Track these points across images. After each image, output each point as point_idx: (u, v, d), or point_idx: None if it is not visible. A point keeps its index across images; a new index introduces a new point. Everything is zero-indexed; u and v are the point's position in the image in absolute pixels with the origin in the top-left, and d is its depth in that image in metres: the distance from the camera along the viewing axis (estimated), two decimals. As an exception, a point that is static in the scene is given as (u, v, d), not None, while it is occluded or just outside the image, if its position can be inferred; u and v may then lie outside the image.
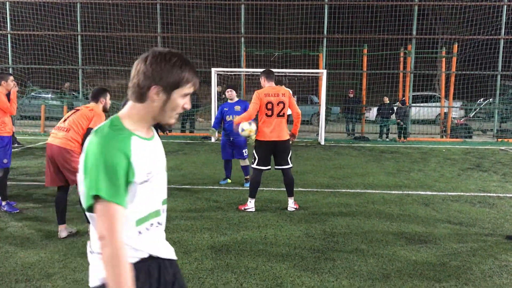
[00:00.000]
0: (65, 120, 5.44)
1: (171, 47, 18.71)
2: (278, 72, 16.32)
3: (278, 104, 6.42)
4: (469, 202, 7.41)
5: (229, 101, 8.42)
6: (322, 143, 15.07)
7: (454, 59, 17.12)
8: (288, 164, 6.61)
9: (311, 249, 5.06)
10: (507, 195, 7.99)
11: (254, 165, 6.54)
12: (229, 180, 8.62)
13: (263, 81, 6.66)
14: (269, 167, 6.65)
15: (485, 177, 9.57)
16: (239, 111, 8.05)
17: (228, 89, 8.40)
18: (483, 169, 10.61)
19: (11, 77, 6.63)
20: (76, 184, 5.22)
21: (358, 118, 17.97)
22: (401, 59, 18.19)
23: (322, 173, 9.72)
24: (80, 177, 1.76)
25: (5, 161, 6.39)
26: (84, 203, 1.72)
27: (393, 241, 5.38)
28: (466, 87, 17.99)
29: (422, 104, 19.76)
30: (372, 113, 19.96)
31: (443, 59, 17.96)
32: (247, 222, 6.05)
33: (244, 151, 8.23)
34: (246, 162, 8.39)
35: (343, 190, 8.09)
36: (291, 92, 6.92)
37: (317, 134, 16.14)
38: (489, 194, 7.99)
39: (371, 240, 5.40)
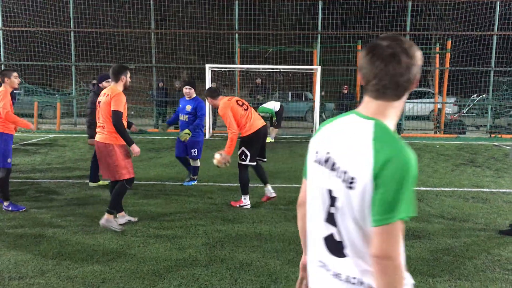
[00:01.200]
0: (99, 118, 5.54)
1: (165, 43, 18.70)
2: (273, 69, 16.34)
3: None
4: (463, 197, 7.45)
5: (186, 98, 7.83)
6: (317, 139, 15.05)
7: (448, 55, 17.17)
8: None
9: (306, 245, 5.06)
10: (500, 190, 8.04)
11: (247, 162, 6.45)
12: (193, 183, 8.09)
13: (214, 100, 6.68)
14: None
15: (478, 173, 9.62)
16: (189, 111, 7.66)
17: (187, 87, 7.78)
18: (476, 164, 10.67)
19: (15, 73, 6.24)
20: (114, 179, 5.47)
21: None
22: (395, 55, 18.19)
23: (316, 169, 9.71)
24: (369, 189, 1.55)
25: (9, 160, 6.20)
26: (376, 221, 1.53)
27: (387, 237, 5.39)
28: (460, 83, 18.07)
29: (416, 100, 19.83)
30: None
31: (437, 55, 18.02)
32: (242, 218, 6.05)
33: (193, 150, 7.82)
34: (197, 163, 8.05)
35: (338, 186, 8.09)
36: None
37: (312, 131, 16.15)
38: (482, 190, 8.04)
39: (365, 236, 5.41)
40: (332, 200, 1.67)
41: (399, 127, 16.55)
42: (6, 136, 6.19)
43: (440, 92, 17.84)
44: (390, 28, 17.79)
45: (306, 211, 1.88)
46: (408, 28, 17.12)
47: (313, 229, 1.79)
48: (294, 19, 19.10)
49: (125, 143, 5.47)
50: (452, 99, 19.72)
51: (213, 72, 16.76)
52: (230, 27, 17.92)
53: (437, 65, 17.89)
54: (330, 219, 1.69)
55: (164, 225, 5.71)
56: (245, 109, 6.50)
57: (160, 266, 4.42)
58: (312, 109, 18.46)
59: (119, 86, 5.50)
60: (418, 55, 1.65)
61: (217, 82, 17.76)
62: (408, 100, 18.80)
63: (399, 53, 1.60)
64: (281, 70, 18.31)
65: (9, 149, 6.23)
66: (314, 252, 1.80)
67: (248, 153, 6.44)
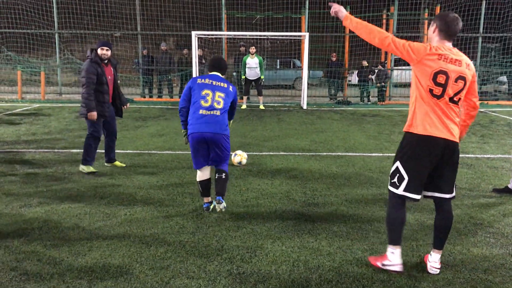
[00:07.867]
0: None
1: (150, 9, 18.28)
2: (260, 36, 16.11)
3: (456, 81, 3.53)
4: (448, 163, 7.52)
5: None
6: (305, 107, 15.05)
7: (437, 21, 17.03)
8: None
9: (292, 211, 5.11)
10: (485, 156, 8.14)
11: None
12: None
13: (435, 32, 3.81)
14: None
15: (464, 139, 9.71)
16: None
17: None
18: (462, 131, 10.75)
19: None
20: None
21: (341, 82, 17.93)
22: (384, 21, 18.05)
23: (304, 137, 9.74)
24: None
25: None
26: None
27: (372, 202, 5.47)
28: (448, 50, 18.00)
29: (403, 67, 19.77)
30: (355, 76, 19.94)
31: (426, 21, 17.88)
32: (229, 186, 6.06)
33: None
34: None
35: (324, 154, 8.14)
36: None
37: (300, 99, 16.09)
38: (467, 155, 8.13)
39: (351, 202, 5.48)
40: None
41: (383, 93, 16.56)
42: None
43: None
44: (379, -6, 17.55)
45: None
46: (397, -6, 16.91)
47: None
48: (282, -16, 18.72)
49: None
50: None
51: (200, 39, 16.48)
52: (217, -7, 17.53)
53: (426, 32, 17.76)
54: None
55: (151, 193, 5.71)
56: (434, 95, 3.59)
57: (146, 233, 4.43)
58: (300, 77, 18.32)
59: None
60: None
61: (204, 49, 17.48)
62: (396, 67, 18.75)
63: None
64: (269, 37, 18.07)
65: None
66: None
67: (407, 176, 3.79)
